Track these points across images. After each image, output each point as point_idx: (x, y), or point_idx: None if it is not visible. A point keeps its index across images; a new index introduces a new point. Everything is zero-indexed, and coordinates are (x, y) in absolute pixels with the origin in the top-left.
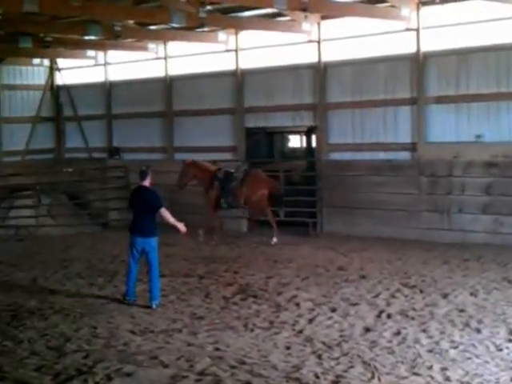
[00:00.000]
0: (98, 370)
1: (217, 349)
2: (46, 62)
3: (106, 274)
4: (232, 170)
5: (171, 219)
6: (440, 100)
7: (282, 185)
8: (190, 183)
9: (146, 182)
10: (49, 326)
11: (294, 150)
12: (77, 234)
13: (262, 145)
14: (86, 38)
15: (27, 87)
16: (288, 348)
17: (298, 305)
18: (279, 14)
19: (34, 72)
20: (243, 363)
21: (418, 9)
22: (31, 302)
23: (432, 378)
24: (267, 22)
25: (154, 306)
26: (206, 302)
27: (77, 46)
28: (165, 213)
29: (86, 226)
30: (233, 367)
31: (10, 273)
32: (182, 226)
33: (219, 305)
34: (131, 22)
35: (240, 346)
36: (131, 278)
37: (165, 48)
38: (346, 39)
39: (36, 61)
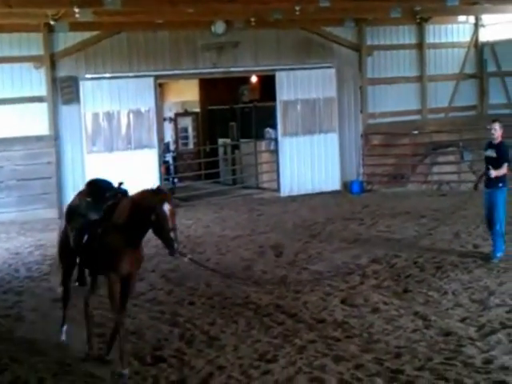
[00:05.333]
0: None
1: None
2: (471, 18)
3: None
4: None
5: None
6: None
7: None
8: None
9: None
10: (472, 279)
11: None
12: None
13: None
14: None
15: (452, 45)
16: None
17: None
18: None
19: (459, 29)
20: None
21: None
22: (453, 255)
23: None
24: None
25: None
26: None
27: (503, 2)
28: None
29: None
30: None
31: (433, 227)
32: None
33: None
34: None
35: None
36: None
37: None
38: None
39: (461, 18)
